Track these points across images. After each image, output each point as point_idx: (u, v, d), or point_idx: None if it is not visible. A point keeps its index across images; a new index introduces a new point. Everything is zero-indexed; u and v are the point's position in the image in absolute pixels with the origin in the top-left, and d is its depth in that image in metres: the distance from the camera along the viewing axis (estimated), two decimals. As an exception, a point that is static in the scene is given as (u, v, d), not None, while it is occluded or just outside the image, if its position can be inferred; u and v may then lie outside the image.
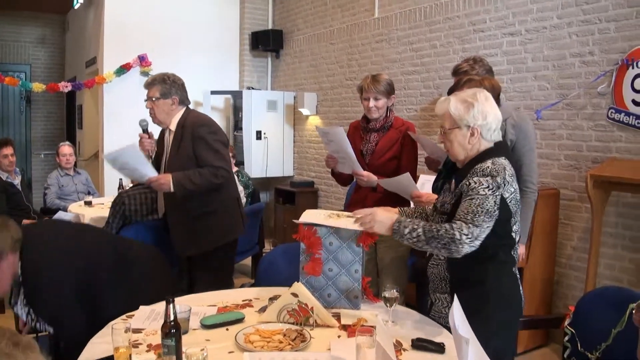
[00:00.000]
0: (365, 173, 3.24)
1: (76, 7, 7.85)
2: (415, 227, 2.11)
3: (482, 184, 2.07)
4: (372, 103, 3.29)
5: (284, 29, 7.80)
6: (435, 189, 2.70)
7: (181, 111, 3.45)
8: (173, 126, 3.42)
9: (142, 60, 7.06)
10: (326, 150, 3.42)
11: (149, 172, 3.25)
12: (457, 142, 2.19)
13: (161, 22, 7.28)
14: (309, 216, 2.49)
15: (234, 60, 8.01)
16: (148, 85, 3.42)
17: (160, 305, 2.29)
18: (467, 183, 2.10)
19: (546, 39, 4.29)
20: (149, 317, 2.25)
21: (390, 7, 5.90)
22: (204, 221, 3.39)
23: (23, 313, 2.31)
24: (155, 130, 3.64)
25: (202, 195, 3.34)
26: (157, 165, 3.49)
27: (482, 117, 2.13)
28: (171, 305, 1.79)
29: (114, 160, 3.27)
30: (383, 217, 2.23)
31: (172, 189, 3.25)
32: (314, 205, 6.95)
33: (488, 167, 2.10)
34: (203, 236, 3.39)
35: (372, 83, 3.29)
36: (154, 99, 3.38)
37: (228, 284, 3.56)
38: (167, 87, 3.37)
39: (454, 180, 2.26)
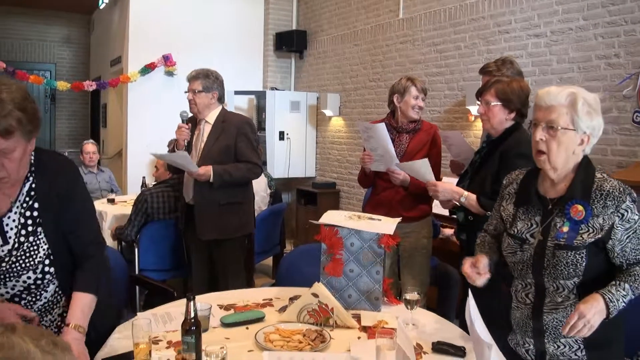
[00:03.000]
0: (402, 172, 3.24)
1: (101, 7, 7.95)
2: (623, 292, 1.78)
3: (632, 209, 1.81)
4: (421, 102, 3.38)
5: (307, 30, 7.80)
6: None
7: (219, 107, 3.69)
8: (211, 119, 3.65)
9: (167, 59, 7.11)
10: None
11: (192, 169, 3.47)
12: (565, 145, 1.84)
13: (186, 22, 7.33)
14: (330, 217, 2.49)
15: (258, 60, 8.03)
16: (192, 78, 3.63)
17: (161, 309, 2.32)
18: (620, 214, 1.80)
19: (572, 41, 4.23)
20: (156, 322, 2.19)
21: (414, 8, 5.87)
22: (230, 210, 3.63)
23: None
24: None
25: (231, 186, 3.60)
26: (187, 150, 3.68)
27: (598, 128, 1.86)
28: (192, 303, 1.79)
29: (161, 157, 3.68)
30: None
31: (211, 180, 3.49)
32: (336, 207, 6.93)
33: (615, 185, 1.82)
34: (226, 223, 3.63)
35: (421, 84, 3.41)
36: (196, 91, 3.59)
37: (243, 277, 3.87)
38: (209, 81, 3.61)
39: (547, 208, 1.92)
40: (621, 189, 1.81)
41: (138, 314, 2.31)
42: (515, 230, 1.97)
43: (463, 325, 2.80)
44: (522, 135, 2.68)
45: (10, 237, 1.87)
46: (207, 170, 3.47)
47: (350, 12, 6.93)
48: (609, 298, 1.74)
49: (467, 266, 2.04)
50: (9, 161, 1.74)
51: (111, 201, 5.09)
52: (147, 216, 4.13)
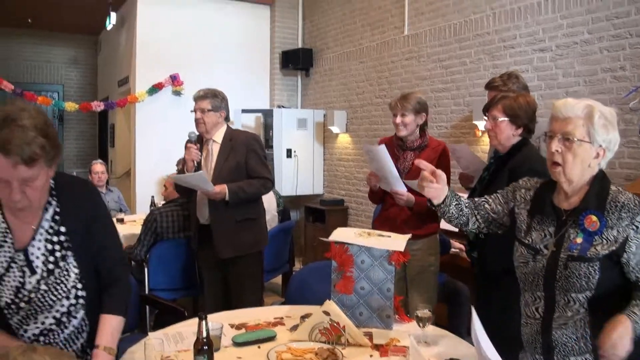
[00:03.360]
0: (406, 193, 3.23)
1: (108, 28, 8.03)
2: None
3: None
4: (398, 119, 3.34)
5: (313, 48, 7.86)
6: None
7: (224, 126, 3.73)
8: (218, 138, 3.68)
9: (174, 79, 7.18)
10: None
11: (209, 188, 3.48)
12: (581, 157, 1.82)
13: (192, 41, 7.41)
14: (340, 234, 2.48)
15: (265, 78, 8.09)
16: (200, 98, 3.66)
17: (172, 329, 2.31)
18: (635, 226, 1.78)
19: (577, 54, 4.24)
20: (168, 341, 2.18)
21: (420, 24, 5.90)
22: (246, 226, 3.67)
23: None
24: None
25: (245, 203, 3.63)
26: (197, 170, 3.69)
27: (614, 143, 1.85)
28: (204, 322, 1.80)
29: (178, 179, 3.63)
30: None
31: (227, 198, 3.51)
32: (344, 224, 6.92)
33: (630, 198, 1.81)
34: (244, 240, 3.65)
35: (400, 100, 3.35)
36: (205, 110, 3.61)
37: (259, 295, 3.86)
38: (218, 101, 3.65)
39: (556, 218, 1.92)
40: (636, 201, 1.80)
41: (149, 333, 2.31)
42: (530, 240, 1.95)
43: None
44: (530, 151, 2.68)
45: (37, 267, 1.82)
46: (223, 189, 3.49)
47: (355, 29, 6.98)
48: (634, 320, 1.70)
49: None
50: (31, 190, 1.69)
51: (120, 221, 5.11)
52: (156, 235, 4.14)
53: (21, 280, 1.80)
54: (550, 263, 1.87)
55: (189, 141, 3.62)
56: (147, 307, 3.77)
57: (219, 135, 3.68)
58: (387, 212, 3.45)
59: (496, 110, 2.69)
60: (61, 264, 1.85)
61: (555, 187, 1.95)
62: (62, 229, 1.87)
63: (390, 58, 6.33)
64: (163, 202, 4.58)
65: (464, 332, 3.75)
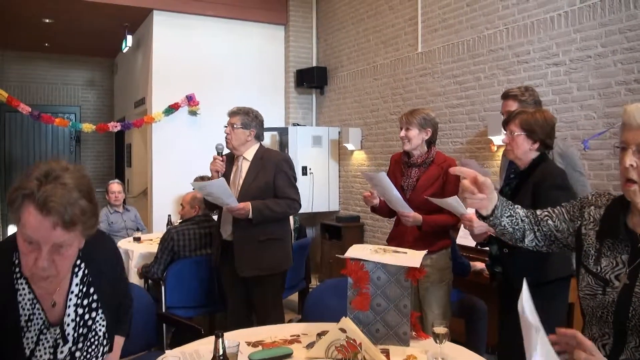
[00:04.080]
0: (412, 214, 3.22)
1: (125, 51, 8.17)
2: None
3: None
4: (402, 133, 3.36)
5: (328, 66, 7.91)
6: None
7: (256, 145, 3.74)
8: (249, 156, 3.69)
9: (190, 99, 7.26)
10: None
11: (232, 202, 3.45)
12: None
13: (208, 62, 7.51)
14: (355, 251, 2.48)
15: (280, 97, 8.16)
16: (232, 114, 3.71)
17: (189, 347, 2.31)
18: None
19: (591, 68, 4.23)
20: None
21: (433, 41, 5.93)
22: (269, 246, 3.62)
23: None
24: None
25: (271, 222, 3.59)
26: None
27: None
28: (220, 340, 1.80)
29: (200, 188, 3.57)
30: None
31: (250, 216, 3.47)
32: (360, 240, 6.90)
33: None
34: (266, 260, 3.61)
35: (406, 114, 3.37)
36: (235, 126, 3.65)
37: (281, 313, 3.81)
38: (248, 119, 3.67)
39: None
40: None
41: (166, 351, 2.31)
42: (599, 269, 1.67)
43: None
44: (551, 166, 2.72)
45: (69, 334, 1.70)
46: (246, 206, 3.46)
47: (369, 47, 7.02)
48: None
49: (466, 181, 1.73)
50: (61, 258, 1.51)
51: (137, 239, 5.14)
52: (173, 254, 4.16)
53: (52, 352, 1.68)
54: (623, 298, 1.59)
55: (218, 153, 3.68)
56: (164, 325, 3.79)
57: (249, 153, 3.69)
58: (398, 229, 3.45)
59: (513, 125, 2.72)
60: (92, 325, 1.77)
61: (629, 207, 1.67)
62: (92, 289, 1.78)
63: (405, 75, 6.35)
64: (180, 220, 4.60)
65: (482, 349, 3.71)
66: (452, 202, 2.71)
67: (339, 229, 7.01)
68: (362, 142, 7.16)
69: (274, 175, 3.60)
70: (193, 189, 3.61)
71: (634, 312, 1.56)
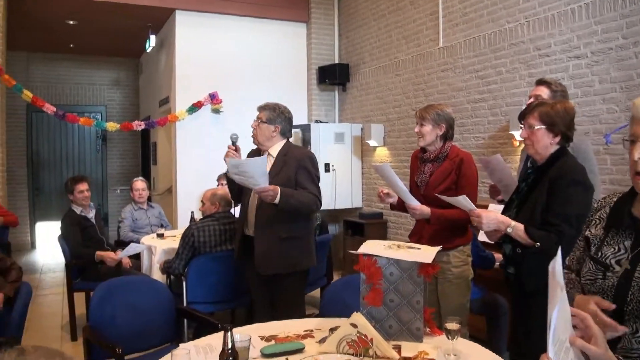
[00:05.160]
0: (418, 206, 3.22)
1: (148, 51, 8.27)
2: None
3: None
4: (416, 128, 3.36)
5: (350, 63, 7.91)
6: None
7: (282, 141, 3.70)
8: (274, 152, 3.66)
9: (213, 98, 7.33)
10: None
11: (262, 182, 3.35)
12: None
13: (230, 60, 7.57)
14: (369, 247, 2.48)
15: (302, 94, 8.18)
16: (259, 108, 3.71)
17: (203, 341, 2.35)
18: None
19: (612, 60, 4.15)
20: (197, 352, 2.23)
21: (454, 36, 5.88)
22: (290, 244, 3.58)
23: None
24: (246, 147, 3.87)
25: (291, 219, 3.55)
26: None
27: None
28: (229, 334, 1.82)
29: (236, 165, 3.38)
30: None
31: (277, 201, 3.39)
32: (383, 237, 6.89)
33: None
34: (287, 258, 3.58)
35: (421, 110, 3.37)
36: (260, 121, 3.64)
37: (303, 310, 3.77)
38: (274, 114, 3.65)
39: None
40: None
41: (180, 345, 2.35)
42: (600, 254, 1.69)
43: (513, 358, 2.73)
44: (570, 160, 2.58)
45: None
46: (275, 189, 3.36)
47: (391, 43, 7.00)
48: None
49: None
50: None
51: (160, 236, 5.21)
52: (194, 250, 4.21)
53: None
54: (622, 282, 1.59)
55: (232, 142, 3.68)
56: (185, 320, 3.85)
57: (275, 149, 3.67)
58: (418, 225, 3.45)
59: (532, 118, 2.58)
60: None
61: (635, 197, 1.68)
62: None
63: (426, 70, 6.31)
64: (201, 217, 4.65)
65: (503, 346, 3.67)
66: (461, 200, 2.68)
67: (362, 226, 7.01)
68: (384, 139, 7.13)
69: (295, 172, 3.57)
70: (226, 172, 3.52)
71: (632, 297, 1.55)
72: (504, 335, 3.80)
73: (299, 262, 3.65)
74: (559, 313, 1.28)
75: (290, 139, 3.80)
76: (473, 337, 4.25)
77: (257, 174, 3.34)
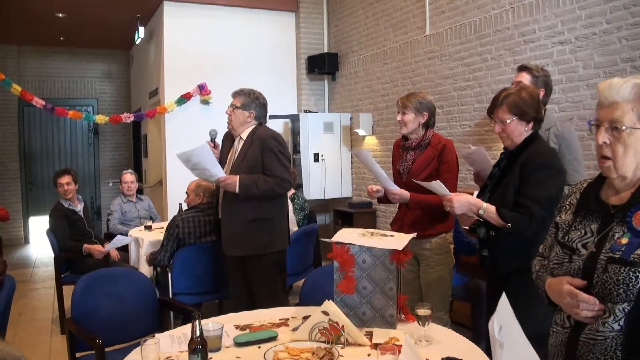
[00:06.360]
0: (398, 190, 3.25)
1: (138, 43, 8.25)
2: None
3: None
4: (398, 117, 3.38)
5: (339, 52, 7.89)
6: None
7: (254, 125, 3.73)
8: (245, 135, 3.70)
9: (202, 89, 7.31)
10: (385, 171, 3.40)
11: (217, 172, 3.47)
12: (633, 148, 1.57)
13: (219, 51, 7.55)
14: (342, 235, 2.50)
15: (292, 84, 8.16)
16: (235, 94, 3.75)
17: (178, 330, 2.37)
18: None
19: (596, 45, 4.14)
20: (172, 342, 2.25)
21: (440, 23, 5.87)
22: (258, 226, 3.60)
23: None
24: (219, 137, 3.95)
25: (260, 201, 3.56)
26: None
27: None
28: (197, 322, 1.84)
29: (186, 159, 3.48)
30: None
31: (237, 190, 3.46)
32: (373, 226, 6.91)
33: None
34: (254, 240, 3.59)
35: (402, 98, 3.37)
36: (235, 106, 3.68)
37: (281, 295, 3.80)
38: (249, 100, 3.69)
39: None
40: None
41: (155, 334, 2.36)
42: (567, 238, 1.71)
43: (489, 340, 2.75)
44: (540, 145, 2.60)
45: None
46: (233, 179, 3.47)
47: (378, 31, 6.98)
48: None
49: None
50: None
51: (148, 228, 5.23)
52: (179, 241, 4.22)
53: None
54: (588, 265, 1.60)
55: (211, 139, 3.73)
56: (171, 312, 3.87)
57: (245, 133, 3.70)
58: (399, 212, 3.47)
59: (502, 112, 2.58)
60: None
61: (604, 182, 1.72)
62: None
63: (413, 58, 6.31)
64: (186, 208, 4.66)
65: (484, 331, 3.70)
66: (435, 185, 2.69)
67: (352, 215, 7.02)
68: (373, 128, 7.13)
69: (261, 153, 3.58)
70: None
71: (598, 279, 1.56)
72: (485, 320, 3.83)
73: (270, 244, 3.64)
74: None
75: (266, 125, 3.84)
76: (458, 324, 4.29)
77: (209, 163, 3.41)
